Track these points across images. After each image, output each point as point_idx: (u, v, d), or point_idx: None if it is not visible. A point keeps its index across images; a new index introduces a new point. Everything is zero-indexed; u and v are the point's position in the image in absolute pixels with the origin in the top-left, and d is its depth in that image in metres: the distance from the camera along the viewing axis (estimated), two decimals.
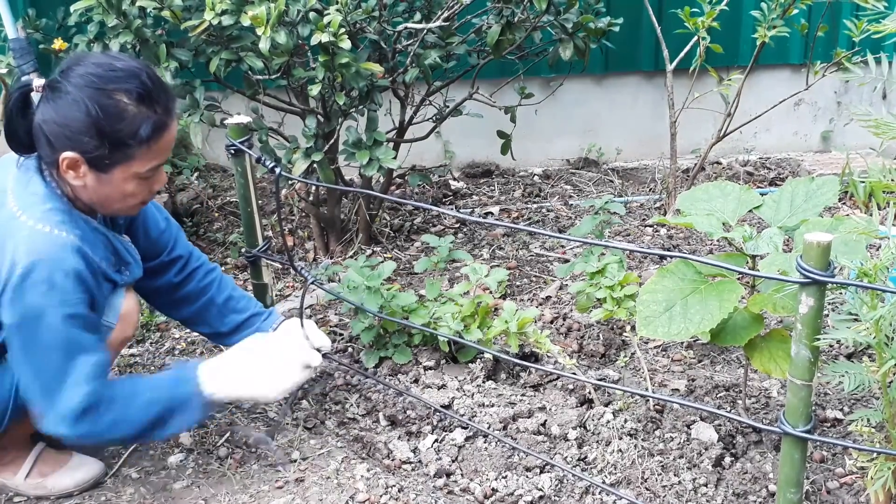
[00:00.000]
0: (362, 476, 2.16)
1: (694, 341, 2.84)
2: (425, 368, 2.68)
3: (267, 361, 2.11)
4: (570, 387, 2.56)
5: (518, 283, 3.33)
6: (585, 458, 2.24)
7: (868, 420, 1.83)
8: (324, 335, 2.30)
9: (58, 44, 3.23)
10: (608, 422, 2.33)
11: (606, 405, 2.42)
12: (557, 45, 3.51)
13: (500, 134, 3.81)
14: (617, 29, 3.60)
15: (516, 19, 3.32)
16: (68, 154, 1.87)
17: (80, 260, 1.88)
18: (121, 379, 2.07)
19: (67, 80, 1.87)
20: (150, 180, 1.99)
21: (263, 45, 2.70)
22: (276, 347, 2.16)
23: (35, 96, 1.91)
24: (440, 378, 2.61)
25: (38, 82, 1.90)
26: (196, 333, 2.91)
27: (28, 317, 1.85)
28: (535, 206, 4.18)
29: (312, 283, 2.35)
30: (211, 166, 4.41)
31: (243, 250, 2.56)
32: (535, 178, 4.63)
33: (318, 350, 2.24)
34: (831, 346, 2.75)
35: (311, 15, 2.82)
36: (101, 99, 1.85)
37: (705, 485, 2.13)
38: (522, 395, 2.53)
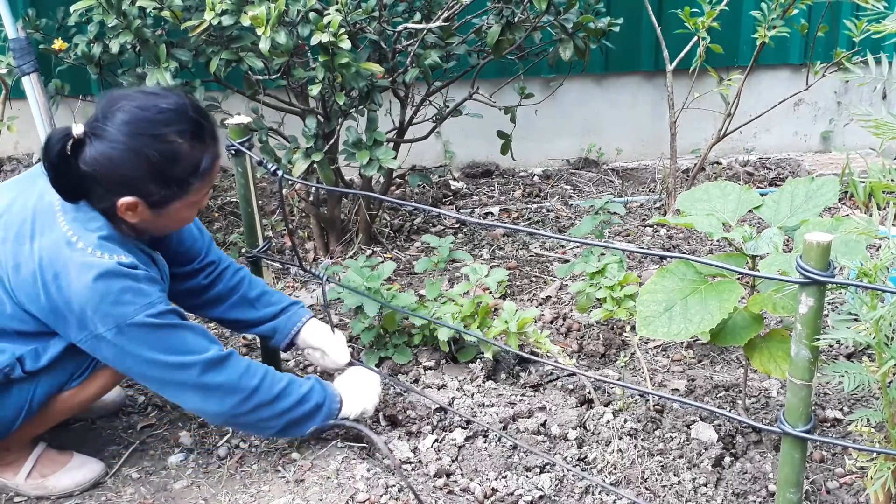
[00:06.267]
0: (362, 476, 2.16)
1: (694, 341, 2.84)
2: (425, 368, 2.68)
3: (362, 383, 2.29)
4: (570, 387, 2.56)
5: (518, 283, 3.33)
6: (585, 458, 2.25)
7: (868, 420, 1.83)
8: (345, 347, 2.43)
9: (58, 44, 3.23)
10: (608, 422, 2.33)
11: (606, 405, 2.42)
12: (557, 45, 3.51)
13: (500, 134, 3.81)
14: (617, 29, 3.60)
15: (516, 19, 3.32)
16: (128, 199, 1.91)
17: (140, 271, 1.94)
18: (265, 369, 2.12)
19: (114, 127, 1.87)
20: (202, 200, 2.05)
21: (263, 46, 2.71)
22: (360, 373, 2.34)
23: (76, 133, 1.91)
24: (440, 378, 2.61)
25: (77, 129, 1.89)
26: None
27: (125, 329, 1.91)
28: (535, 206, 4.18)
29: (328, 281, 2.42)
30: None
31: (244, 250, 2.56)
32: (535, 178, 4.63)
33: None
34: (831, 346, 2.75)
35: (311, 15, 2.82)
36: (157, 145, 1.88)
37: (705, 485, 2.13)
38: (522, 395, 2.53)
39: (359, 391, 2.26)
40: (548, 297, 3.20)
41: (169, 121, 1.89)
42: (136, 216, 1.95)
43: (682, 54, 3.75)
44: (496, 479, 2.18)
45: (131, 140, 1.86)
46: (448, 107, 3.66)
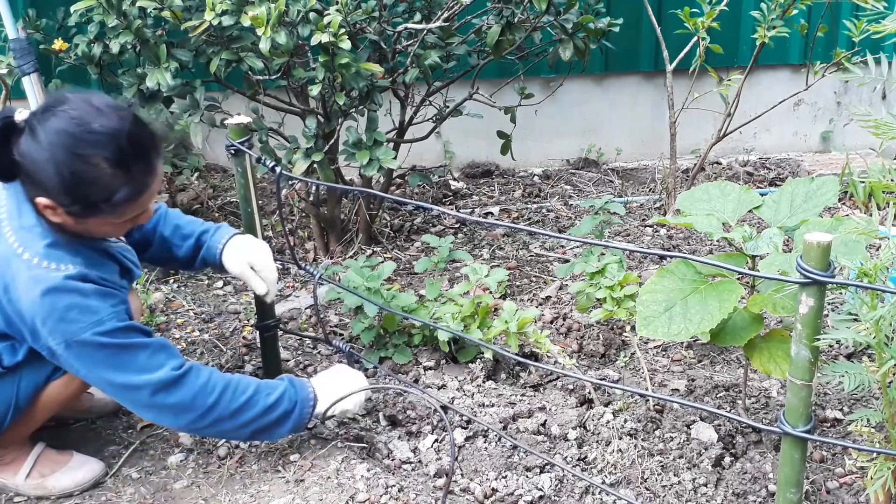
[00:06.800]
0: (362, 476, 2.16)
1: (694, 341, 2.84)
2: (425, 369, 2.68)
3: (344, 381, 2.23)
4: (570, 387, 2.56)
5: (518, 283, 3.33)
6: (585, 458, 2.25)
7: (868, 420, 1.83)
8: (272, 272, 2.33)
9: (58, 44, 3.24)
10: (608, 422, 2.33)
11: (606, 405, 2.42)
12: (557, 45, 3.51)
13: (500, 134, 3.81)
14: (617, 29, 3.60)
15: (516, 20, 3.32)
16: (43, 200, 1.86)
17: (90, 283, 1.91)
18: (225, 382, 2.06)
19: (44, 129, 1.81)
20: (134, 220, 1.98)
21: (263, 46, 2.71)
22: (344, 372, 2.27)
23: (20, 117, 1.86)
24: (440, 378, 2.61)
25: (20, 116, 1.85)
26: (196, 333, 2.92)
27: (73, 344, 1.88)
28: (535, 206, 4.18)
29: (320, 280, 2.38)
30: (211, 166, 4.42)
31: None
32: (535, 178, 4.63)
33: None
34: (831, 346, 2.75)
35: (311, 15, 2.82)
36: (73, 163, 1.81)
37: (705, 485, 2.13)
38: (522, 395, 2.53)
39: (339, 389, 2.20)
40: (548, 297, 3.20)
41: (96, 143, 1.81)
42: (58, 217, 1.89)
43: (681, 54, 3.75)
44: (496, 479, 2.18)
45: (53, 150, 1.80)
46: (448, 107, 3.66)
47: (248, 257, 2.31)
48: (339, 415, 2.21)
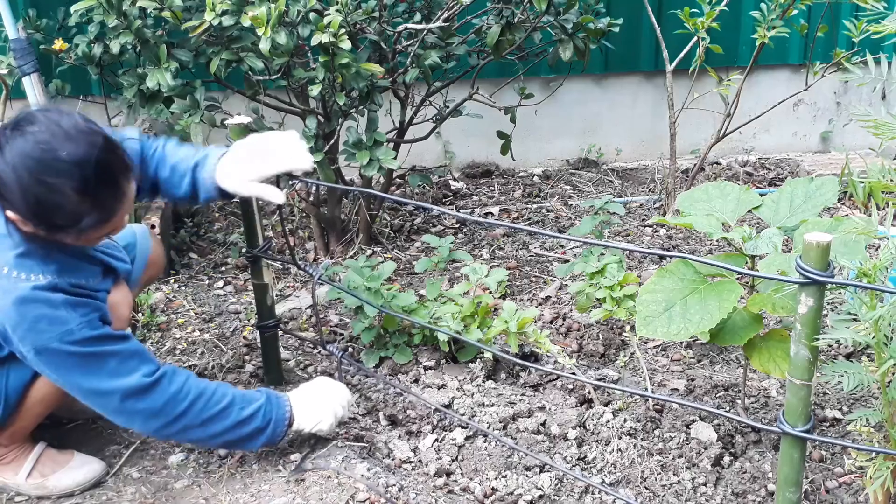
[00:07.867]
0: (362, 475, 2.16)
1: (693, 341, 2.84)
2: (425, 368, 2.68)
3: (323, 398, 2.24)
4: (570, 386, 2.56)
5: (518, 283, 3.33)
6: (585, 457, 2.25)
7: (867, 420, 1.83)
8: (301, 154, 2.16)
9: (58, 44, 3.24)
10: (608, 421, 2.33)
11: (606, 405, 2.42)
12: (557, 45, 3.51)
13: (500, 134, 3.82)
14: (617, 29, 3.61)
15: (516, 20, 3.32)
16: (12, 214, 1.84)
17: (60, 294, 1.89)
18: (200, 390, 2.05)
19: (11, 149, 1.76)
20: (97, 239, 1.96)
21: (264, 46, 2.71)
22: (325, 387, 2.27)
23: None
24: (440, 378, 2.62)
25: None
26: (197, 333, 2.93)
27: (42, 351, 1.89)
28: (535, 206, 4.18)
29: (319, 279, 2.37)
30: None
31: (244, 250, 2.56)
32: (535, 178, 4.63)
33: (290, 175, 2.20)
34: (830, 346, 2.75)
35: (312, 15, 2.82)
36: (38, 189, 1.77)
37: (704, 484, 2.14)
38: (522, 394, 2.53)
39: (316, 407, 2.20)
40: (548, 297, 3.20)
41: (61, 171, 1.77)
42: (30, 229, 1.86)
43: (681, 55, 3.76)
44: (496, 478, 2.19)
45: (18, 172, 1.76)
46: (448, 107, 3.67)
47: (247, 175, 2.13)
48: (315, 431, 2.22)
